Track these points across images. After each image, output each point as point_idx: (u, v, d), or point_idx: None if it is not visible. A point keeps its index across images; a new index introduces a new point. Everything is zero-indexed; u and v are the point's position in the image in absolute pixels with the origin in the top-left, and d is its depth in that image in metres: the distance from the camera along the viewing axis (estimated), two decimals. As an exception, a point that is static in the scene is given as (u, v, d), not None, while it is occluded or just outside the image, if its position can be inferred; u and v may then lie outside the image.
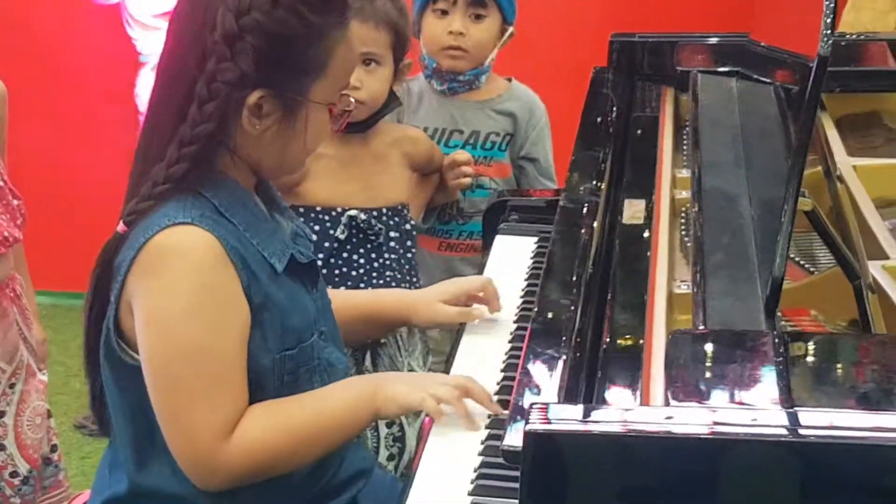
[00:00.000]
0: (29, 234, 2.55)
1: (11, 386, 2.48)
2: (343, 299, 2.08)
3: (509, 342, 2.10)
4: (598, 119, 2.56)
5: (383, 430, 2.48)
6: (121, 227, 1.75)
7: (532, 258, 2.43)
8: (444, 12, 2.84)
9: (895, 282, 1.79)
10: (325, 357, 1.86)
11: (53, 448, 2.66)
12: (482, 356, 2.08)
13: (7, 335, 2.46)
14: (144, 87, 4.09)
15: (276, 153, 1.78)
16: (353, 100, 1.84)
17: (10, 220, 2.45)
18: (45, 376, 2.63)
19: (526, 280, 2.33)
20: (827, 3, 1.60)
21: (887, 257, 1.89)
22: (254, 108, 1.71)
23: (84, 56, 4.45)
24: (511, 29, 2.89)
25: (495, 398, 1.88)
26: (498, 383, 1.97)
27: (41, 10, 4.39)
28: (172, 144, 1.71)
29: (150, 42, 4.07)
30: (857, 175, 2.19)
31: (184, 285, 1.68)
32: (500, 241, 2.55)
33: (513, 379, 1.93)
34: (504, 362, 2.03)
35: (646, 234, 2.07)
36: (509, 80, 3.00)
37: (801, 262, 2.00)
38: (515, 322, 2.17)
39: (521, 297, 2.27)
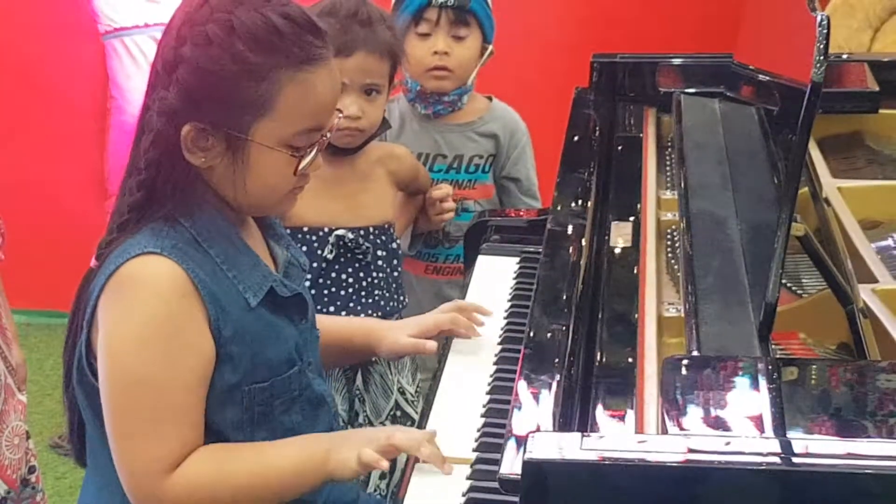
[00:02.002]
0: (2, 251, 2.52)
1: (-9, 406, 2.46)
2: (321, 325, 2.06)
3: (494, 364, 2.09)
4: (582, 139, 2.56)
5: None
6: (93, 262, 1.76)
7: (515, 278, 2.42)
8: (426, 35, 2.84)
9: (885, 305, 1.80)
10: (311, 388, 1.86)
11: (31, 469, 2.62)
12: (467, 377, 2.07)
13: (-13, 354, 2.44)
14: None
15: (238, 189, 1.75)
16: (326, 137, 1.79)
17: (-9, 239, 2.42)
18: (24, 397, 2.60)
19: (509, 301, 2.33)
20: (820, 28, 1.60)
21: (876, 280, 1.90)
22: (190, 140, 1.70)
23: (65, 76, 4.41)
24: (491, 48, 2.90)
25: (481, 421, 1.89)
26: (484, 405, 1.96)
27: (22, 29, 4.35)
28: (131, 176, 1.73)
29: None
30: (841, 196, 2.21)
31: (139, 314, 1.68)
32: (482, 261, 2.55)
33: (498, 401, 1.93)
34: (490, 385, 2.02)
35: (633, 257, 2.07)
36: (489, 98, 3.01)
37: (789, 285, 1.99)
38: (500, 343, 2.16)
39: (505, 317, 2.26)
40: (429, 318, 2.19)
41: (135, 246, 1.69)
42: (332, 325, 2.14)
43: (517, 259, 2.50)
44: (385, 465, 1.75)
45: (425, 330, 2.17)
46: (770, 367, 1.54)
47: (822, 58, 1.58)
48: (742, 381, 1.50)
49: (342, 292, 2.50)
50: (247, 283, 1.75)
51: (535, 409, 1.68)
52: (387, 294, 2.55)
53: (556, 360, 1.79)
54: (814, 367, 1.63)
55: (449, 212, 2.74)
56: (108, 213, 1.82)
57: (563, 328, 1.88)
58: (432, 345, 2.15)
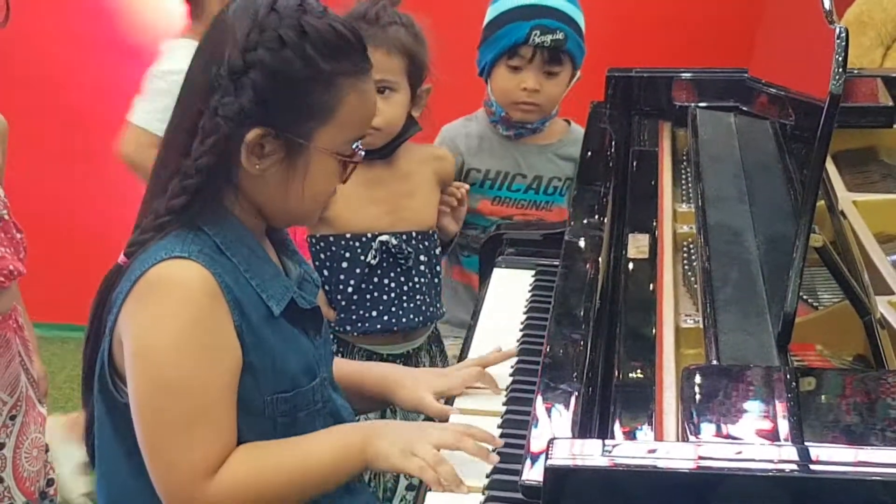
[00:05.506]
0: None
1: (12, 418, 2.46)
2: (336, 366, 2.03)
3: (511, 375, 2.10)
4: (598, 153, 2.58)
5: (403, 482, 2.51)
6: (121, 258, 1.75)
7: (530, 291, 2.43)
8: (517, 68, 2.81)
9: (902, 317, 1.80)
10: (331, 403, 1.87)
11: (50, 482, 2.64)
12: (483, 389, 2.08)
13: (9, 366, 2.45)
14: None
15: (278, 196, 1.76)
16: (362, 153, 1.80)
17: (13, 253, 2.43)
18: (45, 410, 2.61)
19: (525, 313, 2.34)
20: (838, 42, 1.62)
21: (893, 292, 1.91)
22: (252, 146, 1.69)
23: (85, 91, 4.43)
24: (579, 73, 2.86)
25: (499, 431, 1.89)
26: (501, 416, 1.96)
27: (42, 44, 4.37)
28: (175, 178, 1.71)
29: None
30: (857, 210, 2.21)
31: (173, 318, 1.67)
32: (497, 274, 2.56)
33: (515, 412, 1.94)
34: (507, 395, 2.03)
35: (650, 269, 2.08)
36: (567, 122, 2.99)
37: (805, 298, 2.00)
38: (517, 355, 2.16)
39: (521, 329, 2.28)
40: (456, 379, 2.06)
41: (161, 250, 1.68)
42: (345, 369, 2.10)
43: (532, 272, 2.51)
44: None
45: (453, 389, 2.05)
46: (788, 377, 1.54)
47: (840, 70, 1.59)
48: (760, 391, 1.51)
49: (384, 297, 2.53)
50: (269, 291, 1.76)
51: (554, 419, 1.69)
52: (427, 300, 2.58)
53: (575, 371, 1.80)
54: (832, 376, 1.64)
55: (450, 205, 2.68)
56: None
57: (582, 339, 1.89)
58: (455, 411, 1.99)
